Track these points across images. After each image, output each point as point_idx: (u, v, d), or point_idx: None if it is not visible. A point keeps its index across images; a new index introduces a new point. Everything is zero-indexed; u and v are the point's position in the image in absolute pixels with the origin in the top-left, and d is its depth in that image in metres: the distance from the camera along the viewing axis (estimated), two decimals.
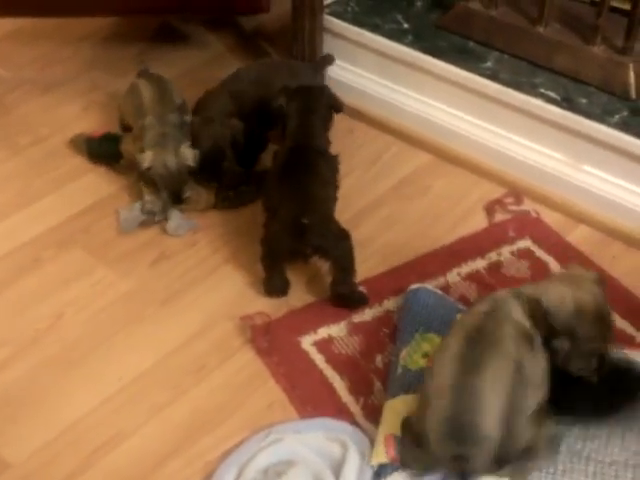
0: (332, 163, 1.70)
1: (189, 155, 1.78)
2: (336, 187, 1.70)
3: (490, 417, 1.13)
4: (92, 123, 2.07)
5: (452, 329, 1.27)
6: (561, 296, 1.18)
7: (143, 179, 1.81)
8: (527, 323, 1.19)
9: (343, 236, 1.58)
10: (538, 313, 1.17)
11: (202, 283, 1.69)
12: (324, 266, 1.66)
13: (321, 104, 1.74)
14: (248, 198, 1.86)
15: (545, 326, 1.17)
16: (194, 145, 1.81)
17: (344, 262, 1.58)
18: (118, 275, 1.70)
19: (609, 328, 1.21)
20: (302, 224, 1.51)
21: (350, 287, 1.60)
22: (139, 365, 1.53)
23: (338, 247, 1.57)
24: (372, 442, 1.34)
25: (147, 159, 1.76)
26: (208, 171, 1.84)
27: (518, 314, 1.20)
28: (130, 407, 1.46)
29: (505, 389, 1.15)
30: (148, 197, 1.80)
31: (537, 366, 1.19)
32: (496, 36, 1.93)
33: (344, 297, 1.60)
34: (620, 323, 1.55)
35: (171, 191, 1.79)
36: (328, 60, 2.07)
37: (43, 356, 1.55)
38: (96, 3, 2.14)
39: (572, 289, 1.19)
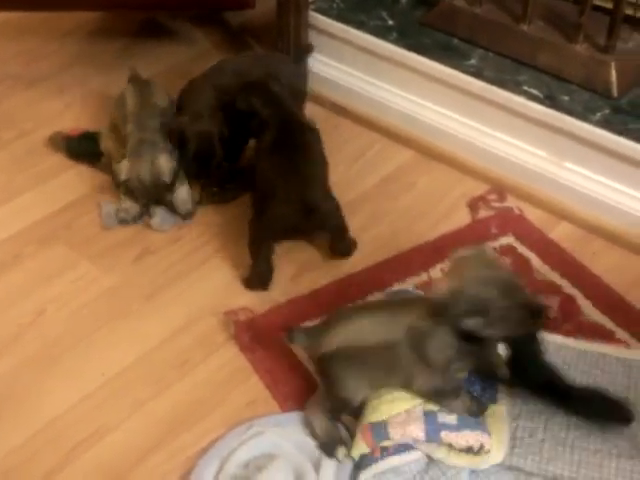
0: (317, 137, 1.71)
1: (165, 169, 1.74)
2: (326, 163, 1.70)
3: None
4: (75, 119, 2.06)
5: None
6: (444, 290, 1.23)
7: (122, 186, 1.78)
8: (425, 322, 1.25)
9: (336, 207, 1.66)
10: (437, 308, 1.22)
11: (186, 278, 1.69)
12: (310, 259, 1.69)
13: (284, 88, 1.76)
14: (232, 195, 1.86)
15: (449, 317, 1.20)
16: (183, 143, 1.79)
17: (339, 226, 1.68)
18: (101, 271, 1.70)
19: (512, 282, 1.21)
20: (309, 205, 1.56)
21: (347, 243, 1.72)
22: (122, 360, 1.52)
23: (335, 217, 1.66)
24: (353, 435, 1.35)
25: (124, 170, 1.74)
26: (198, 168, 1.83)
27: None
28: (113, 402, 1.46)
29: None
30: (124, 205, 1.78)
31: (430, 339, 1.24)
32: (480, 33, 1.94)
33: (343, 252, 1.72)
34: (600, 319, 1.57)
35: (149, 200, 1.78)
36: (306, 49, 2.06)
37: (25, 353, 1.54)
38: None
39: (452, 279, 1.23)
